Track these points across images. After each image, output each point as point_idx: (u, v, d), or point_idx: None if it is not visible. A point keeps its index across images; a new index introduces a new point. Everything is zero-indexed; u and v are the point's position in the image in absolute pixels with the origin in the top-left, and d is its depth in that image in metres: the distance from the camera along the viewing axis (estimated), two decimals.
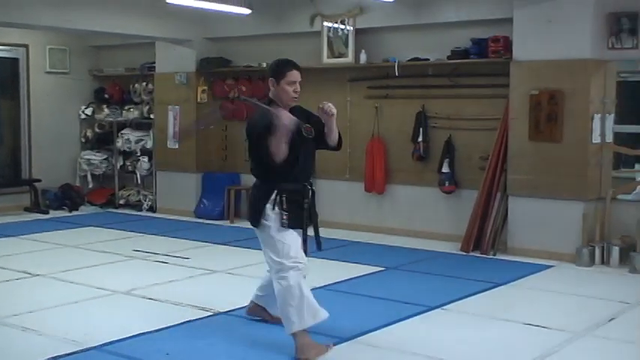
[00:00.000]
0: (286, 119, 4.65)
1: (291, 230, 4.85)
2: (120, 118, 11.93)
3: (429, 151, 9.23)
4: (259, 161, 4.89)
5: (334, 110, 4.89)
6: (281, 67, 4.89)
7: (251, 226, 5.03)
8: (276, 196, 4.82)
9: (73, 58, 12.30)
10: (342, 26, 9.63)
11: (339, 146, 5.12)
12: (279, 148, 4.65)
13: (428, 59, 9.17)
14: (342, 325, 5.46)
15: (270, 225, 4.83)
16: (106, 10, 9.81)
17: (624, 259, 7.67)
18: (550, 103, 7.98)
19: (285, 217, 4.80)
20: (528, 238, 8.21)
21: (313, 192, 5.02)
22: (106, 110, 12.04)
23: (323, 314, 4.89)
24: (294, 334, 4.83)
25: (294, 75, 4.86)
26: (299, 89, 4.90)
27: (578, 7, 7.84)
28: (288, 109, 4.85)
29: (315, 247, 5.06)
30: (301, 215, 4.89)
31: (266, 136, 4.69)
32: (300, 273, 4.82)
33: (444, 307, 6.17)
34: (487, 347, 5.18)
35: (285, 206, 4.81)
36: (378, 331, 5.43)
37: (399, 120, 9.42)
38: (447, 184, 9.07)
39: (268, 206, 4.83)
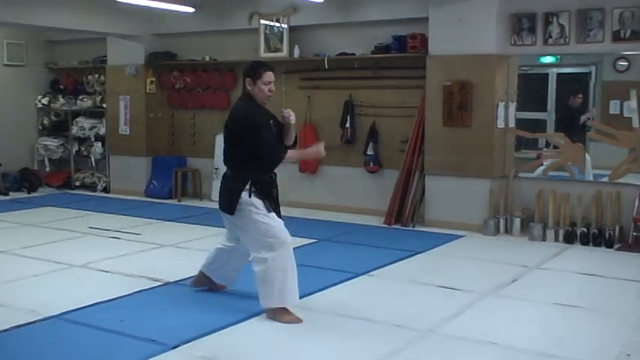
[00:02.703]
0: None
1: (272, 214, 4.84)
2: (74, 107, 11.68)
3: (355, 136, 9.26)
4: (235, 154, 4.86)
5: (293, 120, 4.96)
6: (257, 69, 4.86)
7: (223, 213, 5.00)
8: (251, 185, 4.77)
9: (29, 51, 11.93)
10: (278, 24, 9.56)
11: (293, 145, 5.10)
12: (272, 143, 4.79)
13: (354, 54, 9.17)
14: None
15: (249, 209, 4.77)
16: (61, 7, 9.56)
17: (524, 228, 7.84)
18: (461, 92, 8.07)
19: (266, 202, 4.80)
20: (442, 212, 8.32)
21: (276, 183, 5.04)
22: (61, 100, 11.77)
23: (296, 298, 4.89)
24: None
25: (270, 76, 4.85)
26: (273, 89, 4.90)
27: (485, 8, 7.93)
28: (264, 106, 4.90)
29: None
30: (273, 202, 4.89)
31: (259, 132, 4.73)
32: (286, 251, 4.81)
33: (370, 274, 6.22)
34: (408, 308, 5.24)
35: (259, 194, 4.80)
36: (311, 296, 5.44)
37: (328, 108, 9.42)
38: (371, 164, 9.14)
39: (244, 194, 4.77)
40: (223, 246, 5.27)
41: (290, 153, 4.95)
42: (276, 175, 5.00)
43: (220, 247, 5.28)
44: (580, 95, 9.70)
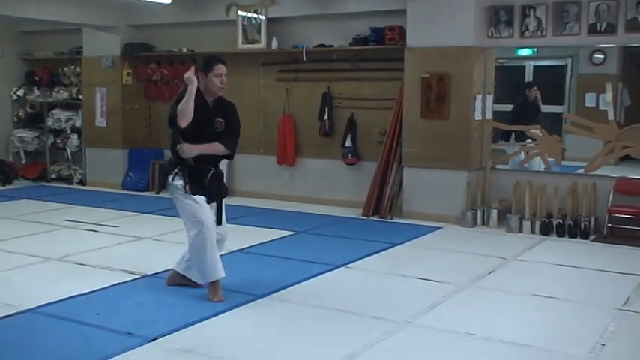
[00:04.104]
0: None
1: (197, 197, 5.02)
2: (50, 99, 11.55)
3: (333, 128, 9.26)
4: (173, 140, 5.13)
5: (189, 81, 4.93)
6: (209, 62, 5.11)
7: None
8: (178, 170, 5.06)
9: (4, 42, 11.76)
10: (255, 15, 9.51)
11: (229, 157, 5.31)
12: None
13: (332, 46, 9.16)
14: (258, 283, 5.45)
15: (176, 191, 5.07)
16: None
17: (501, 220, 7.90)
18: (439, 84, 8.10)
19: (187, 186, 5.02)
20: (420, 204, 8.35)
21: (217, 173, 5.18)
22: (37, 92, 11.63)
23: (218, 274, 5.09)
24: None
25: (221, 68, 5.09)
26: (225, 80, 5.12)
27: (462, 1, 7.95)
28: (216, 97, 5.12)
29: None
30: (202, 188, 5.06)
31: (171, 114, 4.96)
32: (204, 229, 4.98)
33: (348, 265, 6.23)
34: (387, 299, 5.26)
35: (186, 179, 5.03)
36: (289, 288, 5.44)
37: (306, 100, 9.40)
38: (349, 156, 9.14)
39: (170, 177, 5.09)
40: None
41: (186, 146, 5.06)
42: (216, 166, 5.17)
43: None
44: (535, 88, 9.75)
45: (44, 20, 10.02)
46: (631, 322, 4.81)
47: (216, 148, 5.10)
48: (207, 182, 5.10)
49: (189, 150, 5.02)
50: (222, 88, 5.12)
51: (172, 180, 5.07)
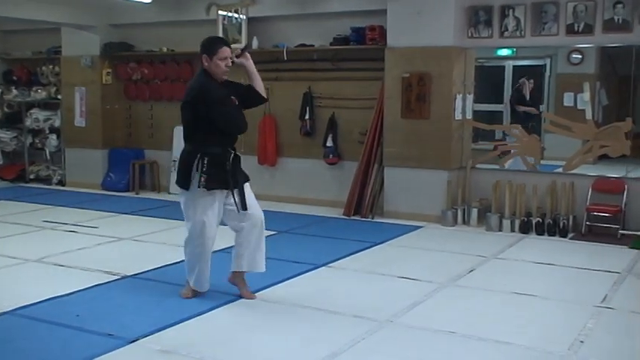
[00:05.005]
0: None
1: (204, 200, 4.86)
2: (28, 99, 11.44)
3: (314, 128, 9.26)
4: (191, 129, 4.88)
5: (244, 61, 5.02)
6: (213, 45, 4.90)
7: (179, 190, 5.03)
8: (198, 160, 4.79)
9: None
10: (236, 15, 9.48)
11: (264, 97, 5.16)
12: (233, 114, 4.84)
13: (313, 45, 9.16)
14: None
15: (195, 190, 4.84)
16: None
17: (481, 219, 7.94)
18: (419, 84, 8.13)
19: (203, 179, 4.78)
20: (401, 203, 8.37)
21: (237, 156, 4.97)
22: (15, 91, 11.53)
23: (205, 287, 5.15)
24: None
25: (225, 51, 4.89)
26: (230, 64, 4.92)
27: (442, 1, 7.98)
28: (221, 81, 4.91)
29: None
30: (222, 178, 4.83)
31: (216, 107, 4.77)
32: (198, 242, 4.97)
33: (330, 265, 6.24)
34: (367, 298, 5.27)
35: (204, 169, 4.77)
36: (271, 288, 5.44)
37: (287, 100, 9.39)
38: (330, 156, 9.15)
39: (193, 169, 4.81)
40: (238, 235, 5.12)
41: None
42: (234, 149, 4.97)
43: (239, 239, 5.13)
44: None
45: (22, 19, 9.91)
46: (609, 319, 4.86)
47: (259, 84, 5.05)
48: (230, 166, 4.85)
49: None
50: (226, 72, 4.91)
51: (196, 170, 4.77)
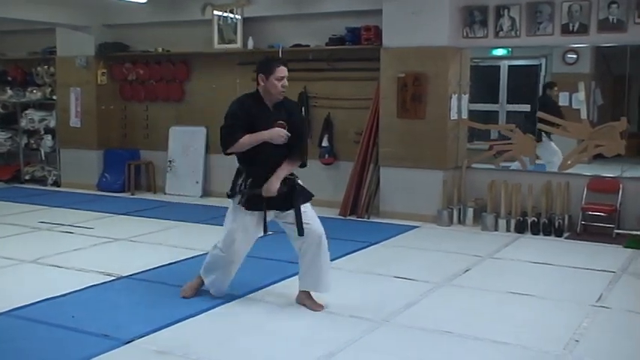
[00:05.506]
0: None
1: (243, 216, 4.85)
2: (23, 99, 11.40)
3: (310, 128, 9.25)
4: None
5: (278, 140, 4.79)
6: (270, 64, 4.82)
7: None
8: (242, 180, 4.83)
9: None
10: (231, 15, 9.48)
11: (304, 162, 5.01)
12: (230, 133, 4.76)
13: (308, 45, 9.16)
14: (235, 283, 5.40)
15: (234, 206, 4.89)
16: None
17: (477, 218, 7.96)
18: (415, 84, 8.13)
19: (243, 198, 4.79)
20: (397, 203, 8.38)
21: (288, 180, 4.86)
22: (9, 92, 11.47)
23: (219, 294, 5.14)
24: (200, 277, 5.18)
25: (282, 71, 4.80)
26: (287, 84, 4.84)
27: (438, 1, 7.99)
28: (277, 101, 4.84)
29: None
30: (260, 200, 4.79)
31: (225, 123, 4.78)
32: (224, 260, 4.98)
33: None
34: (363, 298, 5.28)
35: (245, 189, 4.79)
36: (267, 288, 5.45)
37: None
38: (326, 156, 9.15)
39: (237, 186, 4.86)
40: (299, 254, 5.07)
41: (243, 139, 4.77)
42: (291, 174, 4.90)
43: (300, 257, 5.07)
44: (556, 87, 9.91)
45: (17, 19, 9.88)
46: (604, 318, 4.87)
47: (289, 169, 4.82)
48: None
49: (273, 185, 4.72)
50: (283, 92, 4.83)
51: (240, 188, 4.80)
